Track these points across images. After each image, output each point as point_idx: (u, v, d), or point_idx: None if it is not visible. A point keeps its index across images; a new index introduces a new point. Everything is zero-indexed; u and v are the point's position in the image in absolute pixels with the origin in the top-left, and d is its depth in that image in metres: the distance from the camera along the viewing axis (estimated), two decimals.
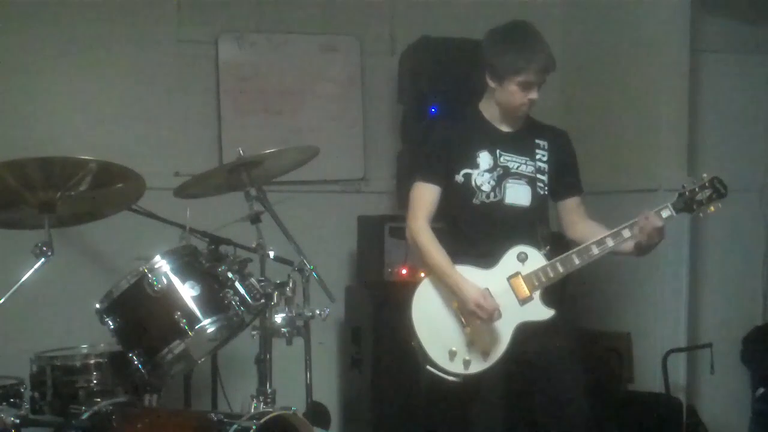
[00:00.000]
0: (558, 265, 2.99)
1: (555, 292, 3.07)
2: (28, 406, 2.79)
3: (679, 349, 4.12)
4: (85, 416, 2.73)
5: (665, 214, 2.98)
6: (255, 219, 3.08)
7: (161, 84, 4.36)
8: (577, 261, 2.99)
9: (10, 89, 4.13)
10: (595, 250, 2.99)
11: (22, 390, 2.81)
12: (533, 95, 3.02)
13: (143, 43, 4.33)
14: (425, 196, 3.09)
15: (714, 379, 4.15)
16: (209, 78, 4.44)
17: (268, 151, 3.10)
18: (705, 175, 3.01)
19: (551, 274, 2.99)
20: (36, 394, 2.92)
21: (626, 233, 2.98)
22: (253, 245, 3.09)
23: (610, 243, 2.99)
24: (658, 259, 4.17)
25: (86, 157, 2.66)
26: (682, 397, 4.09)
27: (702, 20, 4.32)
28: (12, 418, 2.58)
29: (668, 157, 4.18)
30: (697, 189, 2.98)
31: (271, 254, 3.12)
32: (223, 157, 4.31)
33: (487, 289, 2.98)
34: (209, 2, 4.45)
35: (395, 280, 3.99)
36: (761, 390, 4.28)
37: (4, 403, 2.70)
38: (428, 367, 2.99)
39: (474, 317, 2.96)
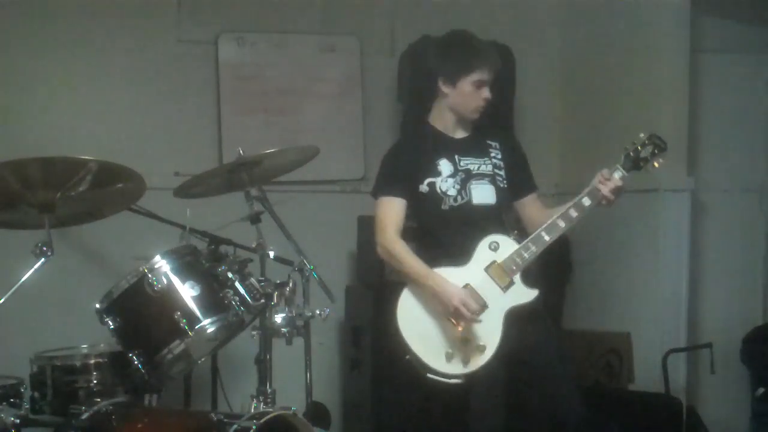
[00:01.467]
0: (530, 245, 3.04)
1: (534, 274, 3.10)
2: (28, 406, 2.79)
3: (679, 349, 4.12)
4: (85, 416, 2.73)
5: (617, 175, 3.07)
6: (255, 219, 3.08)
7: (161, 84, 4.36)
8: (547, 237, 3.04)
9: (10, 89, 4.13)
10: (562, 223, 3.05)
11: (22, 390, 2.81)
12: (486, 94, 3.11)
13: (143, 43, 4.33)
14: (391, 210, 3.12)
15: (714, 379, 4.15)
16: (209, 78, 4.44)
17: (268, 151, 3.10)
18: (642, 133, 3.13)
19: (526, 255, 3.04)
20: (36, 394, 2.91)
21: (587, 202, 3.06)
22: (253, 245, 3.08)
23: (573, 214, 3.05)
24: (658, 259, 4.18)
25: (86, 157, 2.65)
26: (682, 397, 4.09)
27: (702, 20, 4.32)
28: (12, 418, 2.58)
29: (668, 157, 4.17)
30: (639, 147, 3.11)
31: (271, 254, 3.12)
32: (223, 157, 4.31)
33: (468, 284, 3.00)
34: (209, 2, 4.46)
35: (395, 280, 3.99)
36: (761, 390, 4.27)
37: (4, 403, 2.69)
38: (428, 375, 2.98)
39: (459, 317, 2.97)
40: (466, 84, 3.10)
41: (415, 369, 3.00)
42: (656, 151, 3.11)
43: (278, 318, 2.98)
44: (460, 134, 3.22)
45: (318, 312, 3.05)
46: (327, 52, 4.60)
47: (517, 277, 3.04)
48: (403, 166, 3.15)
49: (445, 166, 3.14)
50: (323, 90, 4.60)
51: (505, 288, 3.03)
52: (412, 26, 4.49)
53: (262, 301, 2.94)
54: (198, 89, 4.44)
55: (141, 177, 2.85)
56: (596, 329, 4.32)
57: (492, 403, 3.03)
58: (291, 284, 3.02)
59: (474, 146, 3.20)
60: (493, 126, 3.30)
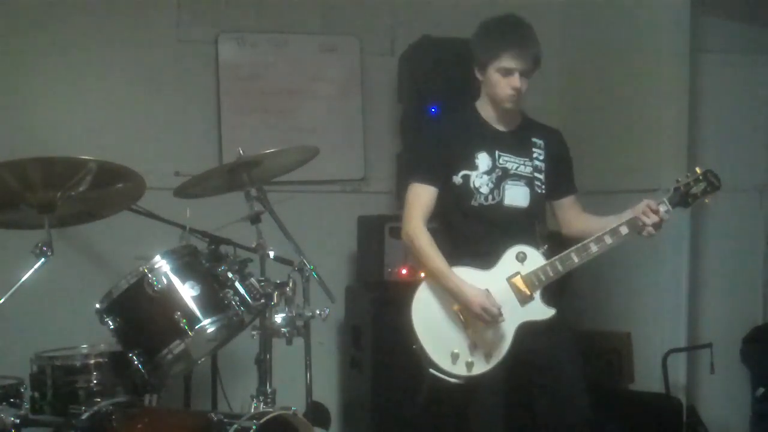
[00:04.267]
0: (557, 263, 2.99)
1: (555, 291, 3.06)
2: (28, 406, 2.78)
3: (679, 349, 4.12)
4: (85, 416, 2.73)
5: (662, 208, 2.99)
6: (255, 219, 3.08)
7: (161, 84, 4.36)
8: (576, 259, 2.99)
9: (10, 89, 4.13)
10: (594, 248, 2.99)
11: (22, 390, 2.80)
12: (515, 83, 2.97)
13: (143, 43, 4.33)
14: (422, 197, 3.06)
15: (714, 379, 4.15)
16: (209, 78, 4.44)
17: (268, 151, 3.10)
18: (698, 168, 3.03)
19: (551, 273, 2.99)
20: (36, 394, 2.91)
21: (624, 230, 2.99)
22: (253, 245, 3.09)
23: (608, 240, 2.99)
24: (658, 259, 4.18)
25: (86, 157, 2.65)
26: (682, 397, 4.09)
27: (702, 20, 4.32)
28: (12, 418, 2.57)
29: (668, 157, 4.18)
30: (691, 183, 3.01)
31: (271, 254, 3.12)
32: (223, 157, 4.32)
33: (488, 290, 2.97)
34: (209, 2, 4.46)
35: (395, 280, 3.99)
36: (761, 390, 4.28)
37: (4, 403, 2.69)
38: (430, 369, 2.98)
39: (479, 320, 2.95)
40: (493, 71, 2.99)
41: (419, 361, 2.99)
42: (709, 189, 3.00)
43: (278, 318, 2.99)
44: (504, 127, 3.11)
45: (318, 312, 3.04)
46: (327, 52, 4.60)
47: (536, 293, 2.99)
48: (441, 153, 3.06)
49: (483, 160, 3.05)
50: (323, 90, 4.60)
51: (523, 302, 2.99)
52: (412, 26, 4.49)
53: (262, 301, 2.94)
54: (198, 89, 4.44)
55: (141, 177, 2.84)
56: (596, 329, 4.32)
57: (491, 410, 3.00)
58: (291, 284, 3.02)
59: (517, 143, 3.10)
60: (541, 122, 3.21)
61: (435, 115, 4.09)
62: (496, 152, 3.07)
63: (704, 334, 4.32)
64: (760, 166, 4.62)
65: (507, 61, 2.97)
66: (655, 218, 2.95)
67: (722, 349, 4.20)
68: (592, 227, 3.07)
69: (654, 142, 4.22)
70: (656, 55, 4.22)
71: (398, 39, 4.59)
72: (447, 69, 4.07)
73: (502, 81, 3.00)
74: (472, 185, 3.05)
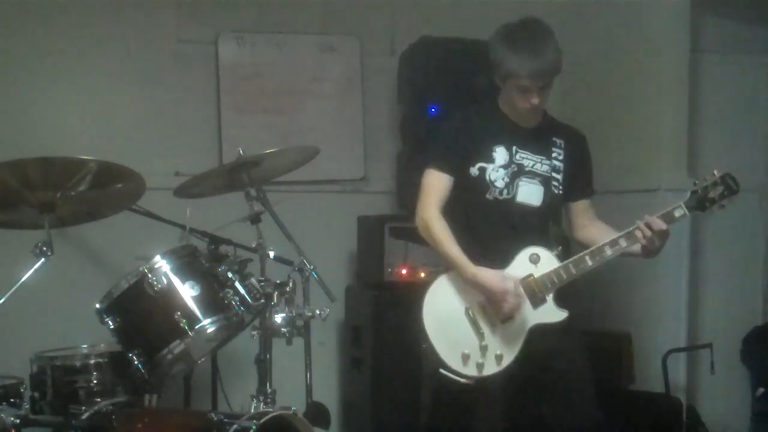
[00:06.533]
0: (571, 266, 2.96)
1: (567, 294, 3.03)
2: (28, 406, 2.79)
3: (679, 349, 4.12)
4: (85, 416, 2.74)
5: (678, 213, 2.96)
6: (255, 219, 3.08)
7: (161, 84, 4.36)
8: (590, 262, 2.96)
9: (10, 89, 4.13)
10: (608, 251, 2.95)
11: (22, 390, 2.81)
12: (534, 100, 2.96)
13: (143, 43, 4.33)
14: (438, 184, 3.03)
15: (714, 379, 4.14)
16: (209, 78, 4.44)
17: (268, 151, 3.10)
18: (715, 171, 2.98)
19: (564, 276, 2.95)
20: (36, 394, 2.92)
21: (639, 233, 2.96)
22: (253, 245, 3.09)
23: (623, 244, 2.96)
24: (658, 259, 4.17)
25: (86, 157, 2.66)
26: (682, 397, 4.09)
27: (702, 20, 4.32)
28: (12, 418, 2.58)
29: (668, 157, 4.18)
30: (709, 186, 2.96)
31: (271, 254, 3.12)
32: (223, 157, 4.31)
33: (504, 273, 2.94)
34: (209, 2, 4.46)
35: (395, 280, 4.00)
36: (761, 390, 4.28)
37: (4, 403, 2.70)
38: (441, 370, 2.94)
39: (503, 304, 2.92)
40: (511, 87, 2.98)
41: (428, 361, 2.97)
42: (726, 193, 2.94)
43: (278, 318, 2.99)
44: (524, 123, 3.08)
45: (318, 312, 3.05)
46: (327, 52, 4.60)
47: (549, 296, 2.97)
48: (461, 144, 3.03)
49: (500, 154, 3.02)
50: (323, 90, 4.60)
51: (536, 304, 2.96)
52: (412, 26, 4.48)
53: (262, 301, 2.95)
54: (198, 89, 4.44)
55: (141, 177, 2.85)
56: (596, 329, 4.32)
57: (502, 409, 2.99)
58: (291, 284, 3.02)
59: (536, 141, 3.07)
60: (564, 122, 3.19)
61: (434, 114, 4.09)
62: (514, 147, 3.05)
63: (704, 334, 4.32)
64: (760, 166, 4.62)
65: (525, 81, 2.94)
66: (661, 226, 2.93)
67: (722, 349, 4.20)
68: (601, 236, 3.04)
69: (654, 142, 4.22)
70: (656, 55, 4.22)
71: (398, 39, 4.58)
72: (447, 69, 4.07)
73: (521, 97, 2.98)
74: (487, 178, 3.02)
